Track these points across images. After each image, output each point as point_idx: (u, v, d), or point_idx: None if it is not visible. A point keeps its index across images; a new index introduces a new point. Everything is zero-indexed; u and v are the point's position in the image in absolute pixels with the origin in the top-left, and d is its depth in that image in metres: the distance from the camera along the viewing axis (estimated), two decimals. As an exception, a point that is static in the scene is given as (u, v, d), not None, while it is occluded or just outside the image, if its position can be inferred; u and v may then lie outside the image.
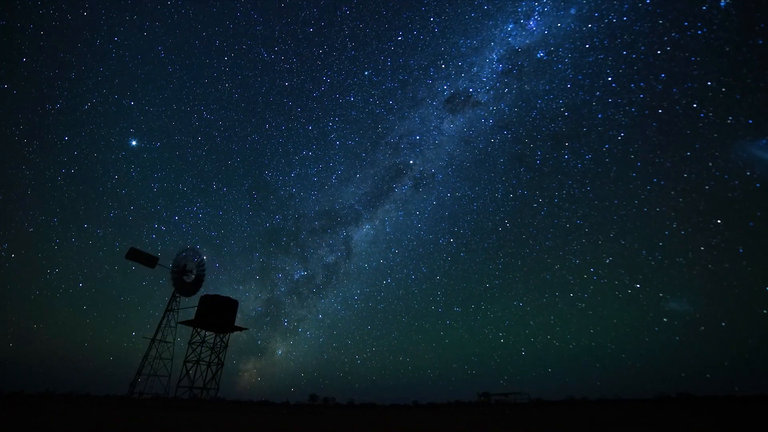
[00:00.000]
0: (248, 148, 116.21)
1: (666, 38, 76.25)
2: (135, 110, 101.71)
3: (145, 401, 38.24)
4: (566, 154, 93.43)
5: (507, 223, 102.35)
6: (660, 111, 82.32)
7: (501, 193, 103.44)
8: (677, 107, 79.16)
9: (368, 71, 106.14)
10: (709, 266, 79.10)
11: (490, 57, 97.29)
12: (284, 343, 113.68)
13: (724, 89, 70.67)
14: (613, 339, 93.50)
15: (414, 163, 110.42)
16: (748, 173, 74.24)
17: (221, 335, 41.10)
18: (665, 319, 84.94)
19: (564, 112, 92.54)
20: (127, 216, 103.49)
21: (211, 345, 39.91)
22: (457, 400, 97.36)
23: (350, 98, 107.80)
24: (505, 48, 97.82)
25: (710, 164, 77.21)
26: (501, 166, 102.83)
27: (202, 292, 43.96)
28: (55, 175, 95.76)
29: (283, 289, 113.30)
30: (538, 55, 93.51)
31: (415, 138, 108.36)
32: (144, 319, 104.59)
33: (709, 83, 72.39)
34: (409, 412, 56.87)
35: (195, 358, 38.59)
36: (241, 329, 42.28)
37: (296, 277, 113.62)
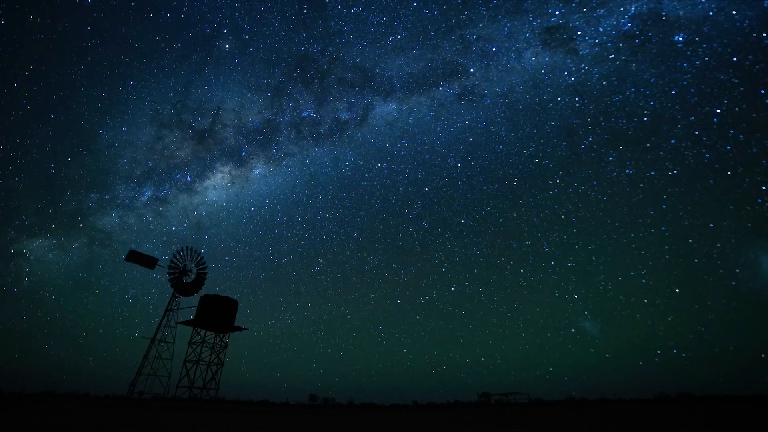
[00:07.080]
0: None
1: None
2: None
3: (145, 401, 38.22)
4: (611, 156, 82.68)
5: (515, 181, 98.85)
6: (729, 173, 66.72)
7: (529, 152, 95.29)
8: (747, 179, 64.83)
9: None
10: (637, 316, 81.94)
11: (626, 6, 76.33)
12: (264, 167, 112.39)
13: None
14: (525, 321, 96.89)
15: (473, 73, 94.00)
16: (737, 270, 67.48)
17: (221, 335, 41.06)
18: (573, 330, 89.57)
19: (645, 116, 76.66)
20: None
21: (211, 345, 39.85)
22: (456, 399, 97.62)
23: (454, -37, 78.37)
24: (650, 6, 73.41)
25: (718, 245, 70.79)
26: (548, 128, 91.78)
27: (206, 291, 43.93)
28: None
29: (286, 119, 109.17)
30: (675, 38, 71.75)
31: (491, 48, 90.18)
32: (139, 111, 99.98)
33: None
34: (409, 412, 56.93)
35: (195, 358, 38.55)
36: (241, 329, 42.16)
37: (304, 114, 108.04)
